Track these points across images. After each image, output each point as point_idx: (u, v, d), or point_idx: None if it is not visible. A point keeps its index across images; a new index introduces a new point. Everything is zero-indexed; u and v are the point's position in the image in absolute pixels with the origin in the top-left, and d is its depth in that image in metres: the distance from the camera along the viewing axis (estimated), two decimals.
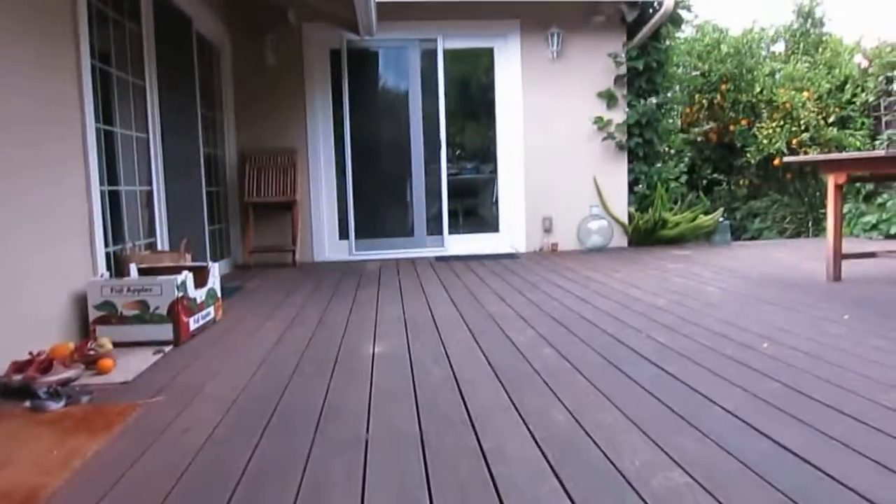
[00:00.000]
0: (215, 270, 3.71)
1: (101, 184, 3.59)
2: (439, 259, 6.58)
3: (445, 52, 6.92)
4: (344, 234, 6.91)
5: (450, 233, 7.04)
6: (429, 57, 6.93)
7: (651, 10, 6.84)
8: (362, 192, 6.92)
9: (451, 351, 2.98)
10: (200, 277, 3.53)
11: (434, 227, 7.06)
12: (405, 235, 7.04)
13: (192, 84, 5.34)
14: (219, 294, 3.78)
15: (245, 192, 6.33)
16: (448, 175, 7.03)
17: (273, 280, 5.49)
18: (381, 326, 3.54)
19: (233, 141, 6.54)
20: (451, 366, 2.73)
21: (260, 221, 6.52)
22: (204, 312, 3.50)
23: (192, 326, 3.34)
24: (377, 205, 7.05)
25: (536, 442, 1.91)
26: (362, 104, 6.91)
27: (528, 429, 2.01)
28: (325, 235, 6.85)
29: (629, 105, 7.09)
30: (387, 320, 3.70)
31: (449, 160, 7.06)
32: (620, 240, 7.17)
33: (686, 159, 8.89)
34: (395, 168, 7.03)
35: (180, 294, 3.19)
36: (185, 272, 3.32)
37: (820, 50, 9.73)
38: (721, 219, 7.28)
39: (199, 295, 3.43)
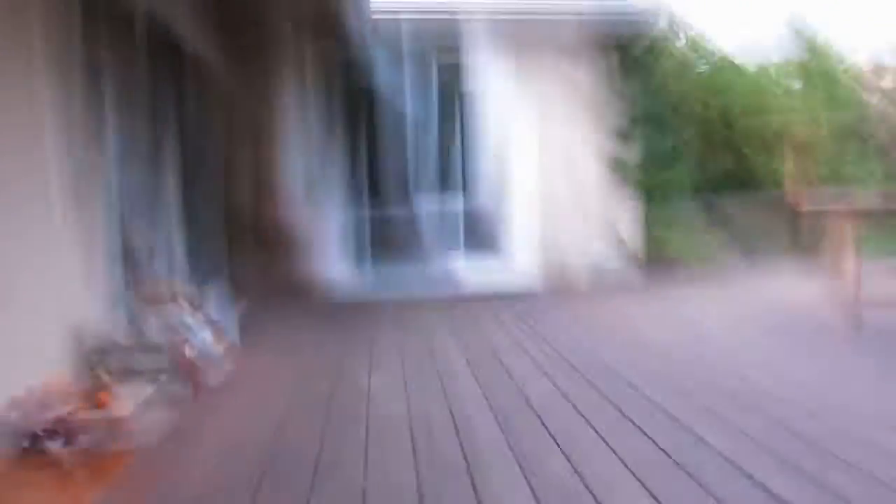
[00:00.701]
0: (231, 319, 3.71)
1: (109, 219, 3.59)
2: (452, 301, 6.34)
3: (438, 69, 6.95)
4: (355, 264, 6.90)
5: (464, 268, 7.03)
6: (449, 81, 6.94)
7: (664, 49, 6.88)
8: (373, 221, 6.95)
9: (450, 387, 2.94)
10: (215, 335, 3.53)
11: (446, 263, 7.04)
12: (416, 267, 7.03)
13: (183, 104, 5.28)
14: (232, 339, 3.77)
15: (253, 218, 6.36)
16: (463, 207, 7.04)
17: (285, 319, 5.47)
18: (378, 357, 3.51)
19: (245, 174, 6.55)
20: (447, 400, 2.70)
21: (270, 246, 6.50)
22: (215, 364, 3.49)
23: (204, 382, 3.31)
24: (388, 234, 7.06)
25: None
26: (370, 131, 6.93)
27: (526, 477, 1.99)
28: (333, 260, 6.84)
29: (643, 141, 7.08)
30: (384, 350, 3.68)
31: (462, 191, 7.07)
32: (633, 272, 7.07)
33: (700, 193, 8.86)
34: (406, 196, 7.03)
35: (191, 354, 3.18)
36: (202, 329, 3.31)
37: (833, 80, 9.67)
38: (734, 251, 7.23)
39: (211, 350, 3.42)
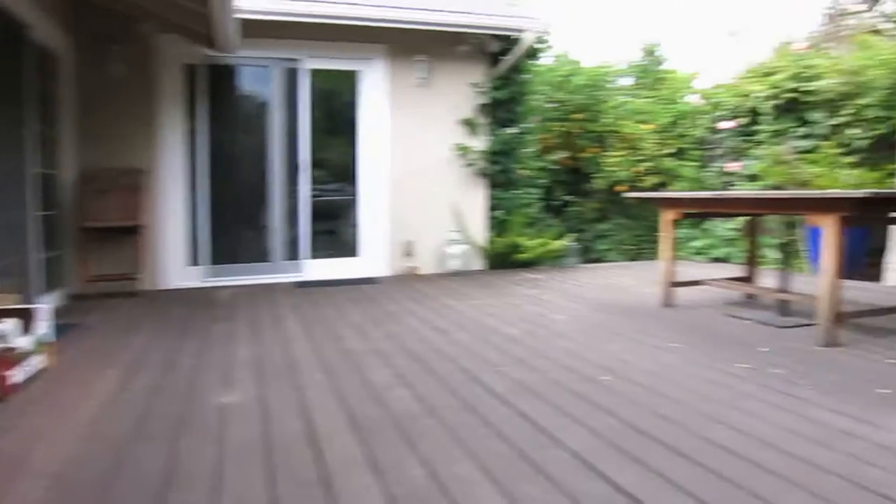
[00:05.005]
0: (44, 313, 3.38)
1: None
2: (298, 285, 6.43)
3: (309, 72, 6.81)
4: (196, 260, 6.56)
5: (310, 257, 6.90)
6: (292, 77, 6.78)
7: (512, 44, 7.14)
8: (217, 215, 6.62)
9: (307, 398, 2.91)
10: (27, 321, 3.21)
11: (293, 252, 6.89)
12: (262, 260, 6.82)
13: (20, 98, 4.86)
14: (50, 337, 3.45)
15: (84, 216, 5.84)
16: (309, 197, 6.90)
17: (115, 314, 5.09)
18: (234, 371, 3.39)
19: (72, 159, 6.02)
20: (306, 416, 2.67)
21: (101, 247, 6.03)
22: (31, 362, 3.18)
23: (16, 380, 3.02)
24: (233, 228, 6.77)
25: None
26: (219, 123, 6.62)
27: (385, 487, 2.01)
28: (175, 261, 6.46)
29: (490, 133, 7.34)
30: (240, 363, 3.55)
31: (310, 182, 6.93)
32: (479, 263, 7.39)
33: (541, 183, 9.35)
34: (254, 190, 6.80)
35: (1, 346, 2.88)
36: (8, 320, 3.00)
37: (661, 86, 10.63)
38: (571, 244, 7.70)
39: (24, 343, 3.11)
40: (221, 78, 6.69)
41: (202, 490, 2.02)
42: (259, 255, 6.83)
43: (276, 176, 6.80)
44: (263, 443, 2.38)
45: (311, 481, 2.06)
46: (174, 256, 6.47)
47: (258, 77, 6.85)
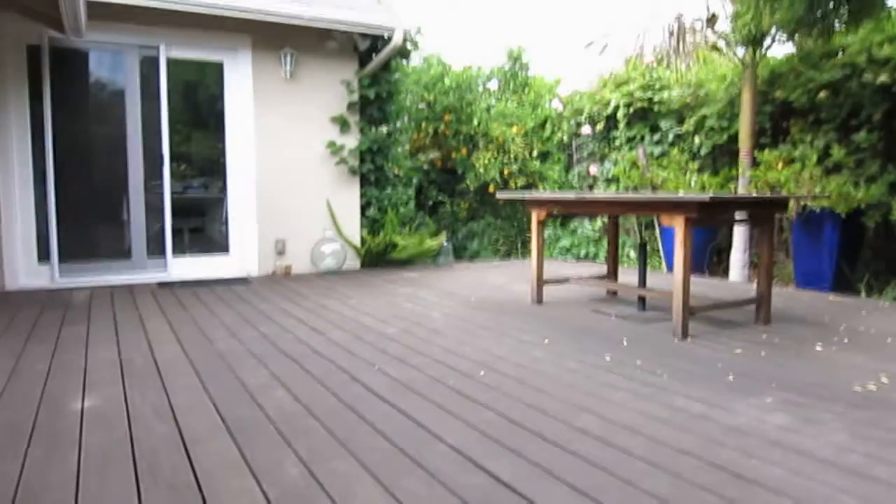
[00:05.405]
0: None
1: None
2: (162, 285, 6.08)
3: (170, 61, 6.44)
4: (47, 258, 6.02)
5: (174, 255, 6.54)
6: (150, 65, 6.38)
7: (382, 43, 7.15)
8: (69, 210, 6.10)
9: (177, 401, 2.77)
10: None
11: (156, 249, 6.49)
12: (123, 259, 6.37)
13: None
14: None
15: None
16: (172, 192, 6.53)
17: None
18: (93, 374, 3.16)
19: None
20: (176, 420, 2.55)
21: None
22: None
23: None
24: (89, 224, 6.27)
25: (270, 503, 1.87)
26: (70, 111, 6.11)
27: (262, 488, 1.96)
28: (22, 259, 5.90)
29: (361, 132, 7.31)
30: (99, 366, 3.32)
31: (174, 176, 6.56)
32: (353, 262, 7.35)
33: (414, 182, 9.46)
34: (112, 183, 6.33)
35: None
36: None
37: (526, 91, 11.07)
38: (444, 242, 7.85)
39: None
40: (72, 62, 6.18)
41: (61, 499, 1.88)
42: (119, 252, 6.38)
43: (136, 169, 6.39)
44: (129, 448, 2.25)
45: (183, 485, 1.98)
46: (21, 254, 5.92)
47: (113, 64, 6.38)
